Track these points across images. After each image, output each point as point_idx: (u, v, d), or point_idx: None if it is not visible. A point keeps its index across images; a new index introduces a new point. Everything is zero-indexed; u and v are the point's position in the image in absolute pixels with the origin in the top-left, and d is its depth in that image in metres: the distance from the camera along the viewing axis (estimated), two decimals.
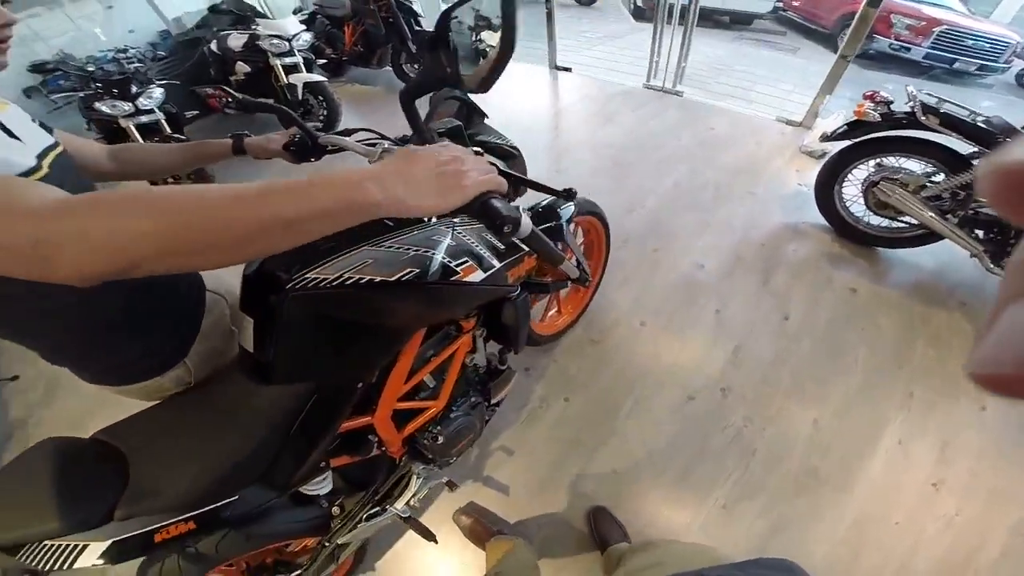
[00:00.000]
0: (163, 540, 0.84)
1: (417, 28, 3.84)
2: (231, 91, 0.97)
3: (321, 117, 3.61)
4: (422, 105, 0.88)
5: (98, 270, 0.44)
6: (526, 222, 1.07)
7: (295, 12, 3.80)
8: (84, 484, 0.83)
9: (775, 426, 1.64)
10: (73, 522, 0.79)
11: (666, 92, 3.67)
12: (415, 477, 1.34)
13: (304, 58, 3.44)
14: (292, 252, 0.79)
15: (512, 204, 1.02)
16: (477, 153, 0.84)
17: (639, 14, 5.74)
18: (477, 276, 0.96)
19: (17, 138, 0.70)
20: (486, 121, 1.15)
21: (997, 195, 0.14)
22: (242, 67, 3.49)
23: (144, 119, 3.03)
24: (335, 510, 1.22)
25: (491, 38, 4.10)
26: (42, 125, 0.80)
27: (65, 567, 0.79)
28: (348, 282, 0.80)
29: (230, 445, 0.89)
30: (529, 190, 1.09)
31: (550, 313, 1.98)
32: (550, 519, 1.59)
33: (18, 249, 0.43)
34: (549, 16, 3.85)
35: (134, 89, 2.93)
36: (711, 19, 5.81)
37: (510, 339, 1.33)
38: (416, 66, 3.99)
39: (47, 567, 0.79)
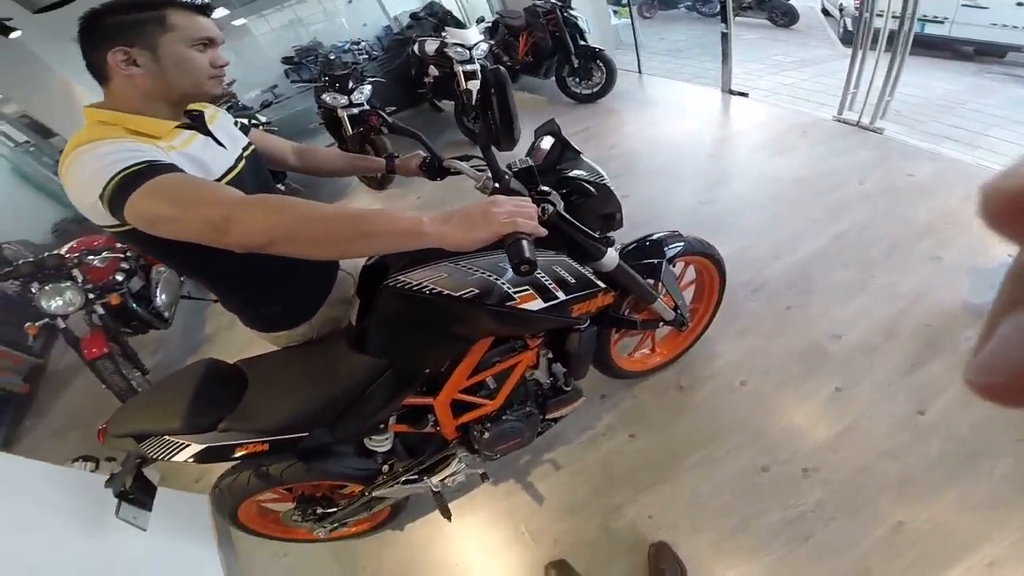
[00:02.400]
0: (241, 455, 1.13)
1: (582, 43, 4.04)
2: (385, 115, 1.29)
3: None
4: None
5: (250, 242, 0.77)
6: (612, 256, 1.20)
7: (479, 21, 4.29)
8: (209, 399, 1.14)
9: (847, 518, 1.48)
10: (187, 426, 1.10)
11: (861, 128, 3.23)
12: (457, 460, 1.53)
13: (481, 66, 3.88)
14: (398, 256, 1.08)
15: (605, 238, 1.20)
16: (542, 194, 1.06)
17: (849, 39, 5.04)
18: (535, 305, 1.09)
19: (223, 146, 1.07)
20: (582, 157, 1.26)
21: (998, 218, 0.14)
22: (433, 70, 4.11)
23: (355, 110, 3.77)
24: (385, 468, 1.47)
25: None
26: (242, 128, 1.20)
27: (166, 459, 1.10)
28: (424, 289, 1.03)
29: (315, 393, 1.17)
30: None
31: (642, 350, 1.99)
32: (571, 540, 1.66)
33: (213, 223, 0.76)
34: (724, 37, 3.70)
35: (351, 84, 3.68)
36: (950, 49, 4.85)
37: (572, 366, 1.45)
38: (579, 80, 4.19)
39: (154, 456, 1.11)
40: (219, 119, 1.12)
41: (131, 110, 0.93)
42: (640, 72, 4.77)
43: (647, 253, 1.51)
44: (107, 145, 0.84)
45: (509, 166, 1.10)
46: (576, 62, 4.07)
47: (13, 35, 3.06)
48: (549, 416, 1.58)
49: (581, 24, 4.06)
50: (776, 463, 1.64)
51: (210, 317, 3.64)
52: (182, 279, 3.58)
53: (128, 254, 3.11)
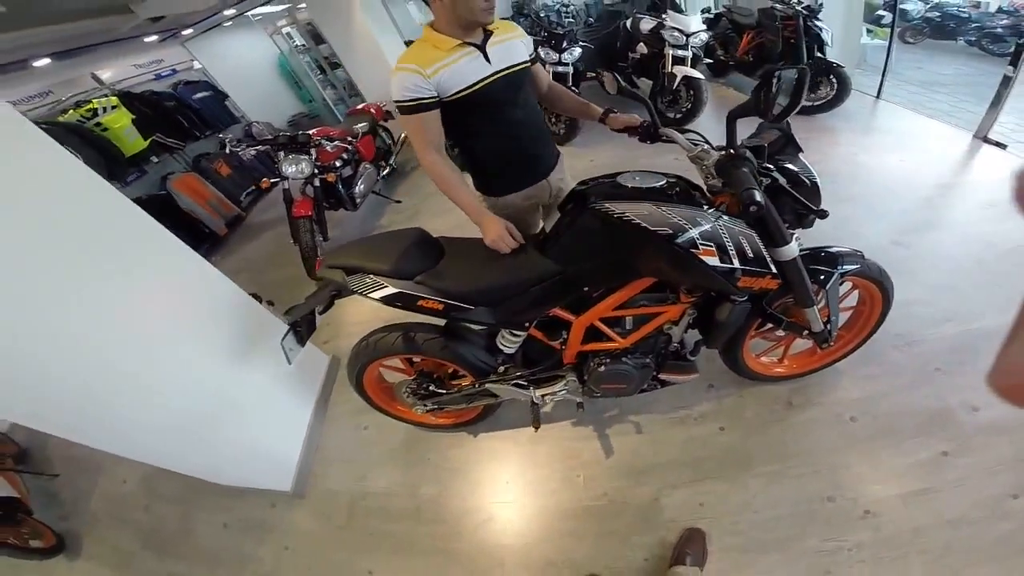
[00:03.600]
0: (421, 306, 1.40)
1: (818, 55, 3.78)
2: (617, 76, 1.57)
3: (685, 108, 4.07)
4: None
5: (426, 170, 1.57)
6: (793, 247, 1.40)
7: (703, 11, 4.25)
8: (414, 257, 1.44)
9: (873, 566, 1.48)
10: (393, 271, 1.38)
11: None
12: (564, 382, 1.76)
13: (694, 54, 3.91)
14: (606, 188, 1.41)
15: (791, 230, 1.38)
16: (765, 171, 1.30)
17: None
18: (712, 260, 1.25)
19: (489, 61, 1.51)
20: (800, 156, 1.40)
21: None
22: (642, 48, 4.24)
23: (560, 69, 4.13)
24: (500, 368, 1.74)
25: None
26: (532, 56, 1.68)
27: (363, 294, 1.39)
28: (625, 217, 1.27)
29: (495, 275, 1.46)
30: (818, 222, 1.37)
31: (771, 356, 2.03)
32: (619, 498, 1.81)
33: (418, 151, 1.57)
34: (1006, 80, 3.16)
35: (564, 44, 4.01)
36: None
37: (711, 333, 1.60)
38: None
39: (355, 290, 1.40)
40: (502, 40, 1.55)
41: (439, 29, 1.47)
42: (878, 97, 4.28)
43: (823, 261, 1.55)
44: (410, 77, 1.43)
45: (741, 142, 1.31)
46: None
47: None
48: (661, 376, 1.73)
49: (824, 36, 3.83)
50: (842, 497, 1.65)
51: (388, 213, 4.42)
52: (379, 178, 4.42)
53: (351, 147, 3.92)
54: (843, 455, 1.76)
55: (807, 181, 1.33)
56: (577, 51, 3.98)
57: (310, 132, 3.57)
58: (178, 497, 2.23)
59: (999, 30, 7.20)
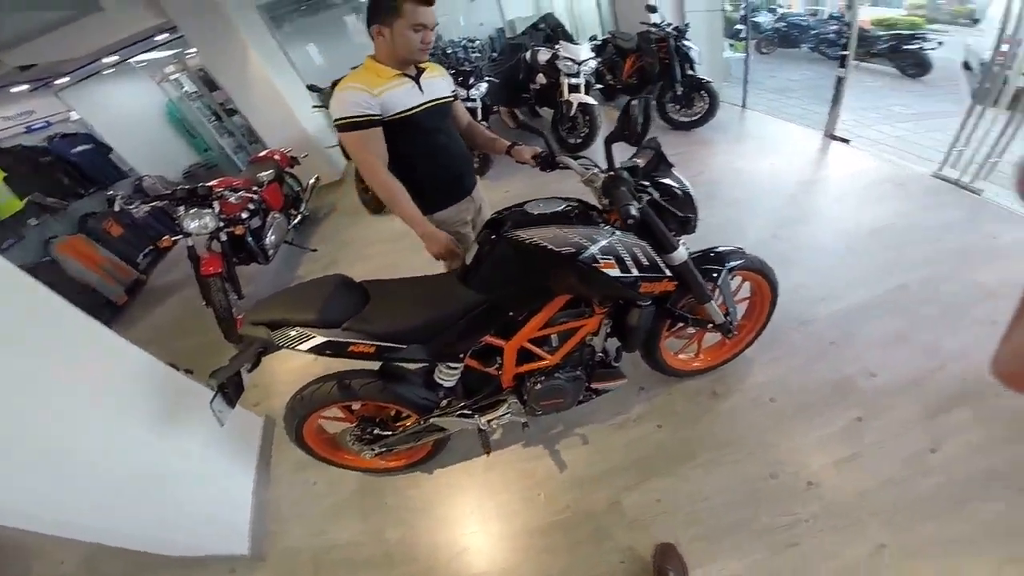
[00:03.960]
0: (352, 351, 1.37)
1: (690, 73, 4.20)
2: (517, 114, 1.72)
3: (583, 133, 4.32)
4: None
5: (369, 183, 1.75)
6: (682, 252, 1.57)
7: (590, 39, 4.59)
8: (338, 302, 1.42)
9: (833, 534, 1.60)
10: (320, 320, 1.35)
11: (959, 186, 3.17)
12: (506, 405, 1.79)
13: (586, 81, 4.18)
14: (516, 217, 1.48)
15: (676, 237, 1.55)
16: (641, 188, 1.45)
17: (983, 96, 4.71)
18: (614, 272, 1.38)
19: (421, 91, 1.71)
20: (672, 170, 1.58)
21: None
22: (541, 78, 4.47)
23: (469, 104, 4.23)
24: (443, 402, 1.74)
25: None
26: (453, 92, 1.89)
27: (293, 347, 1.35)
28: (534, 242, 1.36)
29: (422, 312, 1.46)
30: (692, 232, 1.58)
31: (688, 352, 2.19)
32: (581, 508, 1.86)
33: (361, 165, 1.70)
34: (839, 81, 3.73)
35: (471, 80, 4.13)
36: None
37: (627, 338, 1.72)
38: (679, 107, 4.36)
39: (282, 344, 1.35)
40: (432, 77, 1.76)
41: (380, 61, 1.64)
42: (744, 106, 4.85)
43: (711, 260, 1.77)
44: (354, 94, 1.56)
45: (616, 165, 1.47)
46: (679, 90, 4.25)
47: None
48: (593, 386, 1.83)
49: (692, 55, 4.23)
50: (782, 473, 1.78)
51: (304, 263, 4.22)
52: (290, 227, 4.21)
53: (256, 197, 3.73)
54: (772, 434, 1.91)
55: (680, 192, 1.51)
56: (483, 86, 4.13)
57: (210, 184, 3.34)
58: (125, 571, 1.98)
59: (831, 35, 8.19)
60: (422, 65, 1.71)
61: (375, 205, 4.52)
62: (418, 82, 1.69)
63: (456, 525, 1.91)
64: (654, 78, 4.38)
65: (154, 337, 3.84)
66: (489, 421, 1.78)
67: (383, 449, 1.84)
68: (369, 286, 1.53)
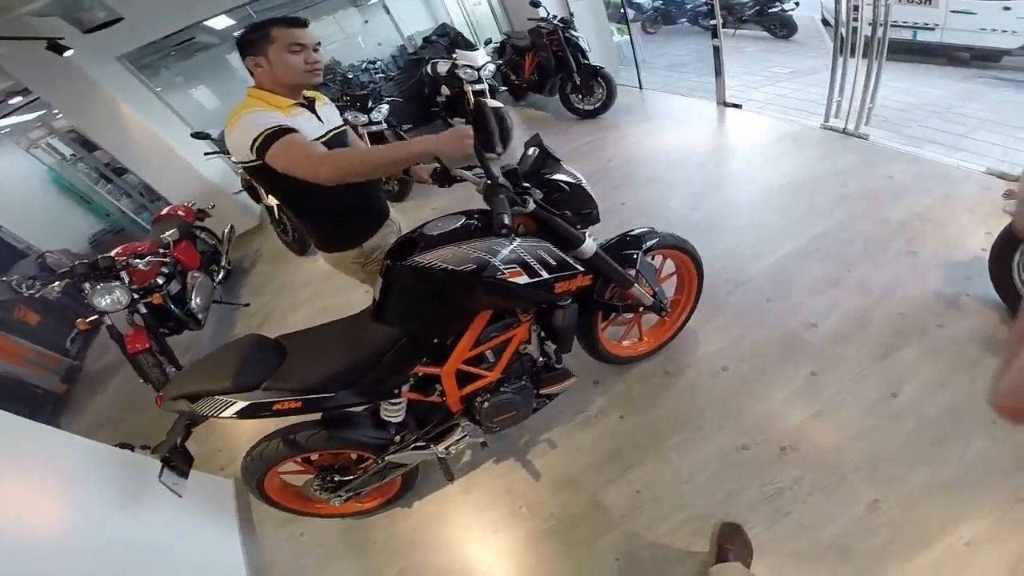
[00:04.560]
0: (278, 409, 1.30)
1: (584, 62, 4.24)
2: (402, 133, 1.59)
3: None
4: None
5: (330, 178, 1.26)
6: (589, 244, 1.49)
7: (487, 43, 4.53)
8: (254, 365, 1.34)
9: (824, 496, 1.56)
10: (235, 385, 1.27)
11: (847, 134, 3.37)
12: (460, 429, 1.70)
13: (490, 85, 4.11)
14: (413, 242, 1.35)
15: (581, 231, 1.47)
16: (524, 190, 1.35)
17: (842, 48, 5.15)
18: (522, 279, 1.32)
19: (321, 120, 1.54)
20: (561, 164, 1.51)
21: None
22: (445, 90, 4.35)
23: (374, 128, 4.03)
24: (397, 438, 1.63)
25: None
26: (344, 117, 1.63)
27: (215, 415, 1.27)
28: (433, 265, 1.27)
29: (341, 358, 1.36)
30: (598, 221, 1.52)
31: (630, 338, 2.14)
32: (564, 514, 1.78)
33: (312, 165, 1.27)
34: (716, 51, 3.88)
35: (370, 104, 3.94)
36: (945, 55, 4.96)
37: (558, 340, 1.65)
38: (581, 96, 4.39)
39: (205, 414, 1.28)
40: (324, 106, 1.61)
41: (267, 89, 1.43)
42: (641, 87, 4.95)
43: (626, 246, 1.73)
44: (261, 114, 1.33)
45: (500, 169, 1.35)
46: (578, 80, 4.26)
47: (67, 54, 3.25)
48: (543, 392, 1.75)
49: (582, 44, 4.24)
50: (754, 442, 1.75)
51: (240, 320, 3.86)
52: (215, 285, 3.84)
53: (168, 259, 3.38)
54: (733, 403, 1.89)
55: (572, 185, 1.46)
56: (384, 108, 3.95)
57: (111, 254, 2.97)
58: None
59: (704, 7, 8.31)
60: (310, 94, 1.55)
61: (299, 246, 4.25)
62: (315, 112, 1.53)
63: (449, 551, 1.82)
64: (552, 72, 4.38)
65: (103, 420, 3.42)
66: (447, 448, 1.70)
67: (350, 494, 1.74)
68: (286, 340, 1.44)
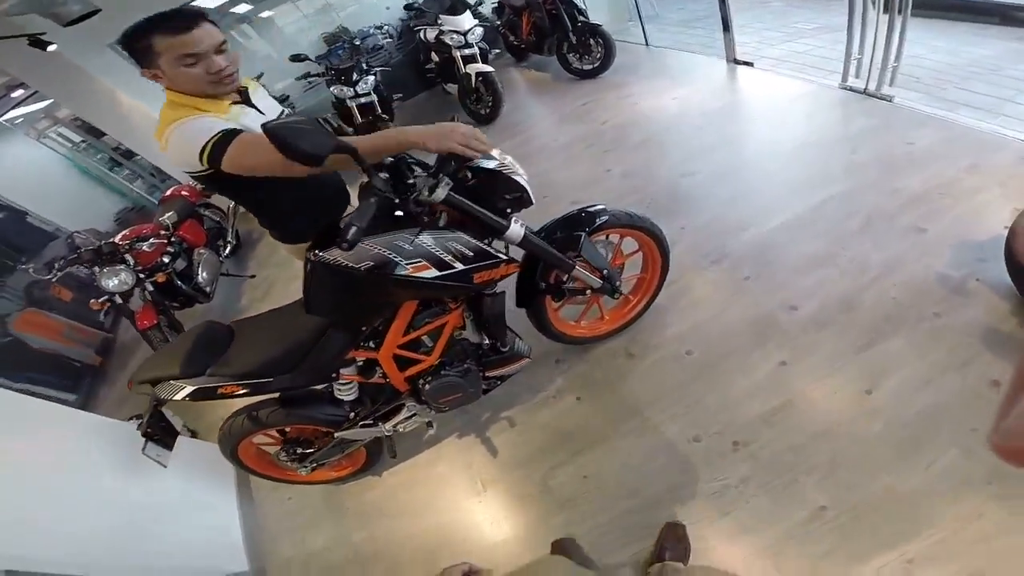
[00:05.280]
0: (223, 393, 1.35)
1: (581, 21, 3.89)
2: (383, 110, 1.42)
3: (488, 103, 4.01)
4: None
5: (302, 170, 1.04)
6: (516, 230, 1.34)
7: (477, 4, 4.19)
8: (202, 352, 1.38)
9: (769, 498, 1.40)
10: (184, 372, 1.33)
11: (869, 95, 2.94)
12: (406, 409, 1.68)
13: (481, 49, 3.85)
14: (327, 239, 1.22)
15: (511, 215, 1.33)
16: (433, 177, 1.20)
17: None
18: (430, 273, 1.22)
19: (261, 112, 1.34)
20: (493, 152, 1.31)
21: None
22: (434, 56, 4.12)
23: (363, 100, 3.89)
24: (351, 415, 1.64)
25: None
26: (280, 100, 1.45)
27: (170, 398, 1.36)
28: (336, 262, 1.18)
29: (275, 346, 1.37)
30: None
31: (590, 317, 1.98)
32: (517, 492, 1.75)
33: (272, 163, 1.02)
34: (722, 3, 3.44)
35: (355, 77, 3.79)
36: (999, 15, 4.24)
37: (488, 329, 1.57)
38: (579, 56, 4.07)
39: (164, 397, 1.36)
40: (259, 92, 1.42)
41: (190, 94, 1.18)
42: (647, 44, 4.50)
43: (571, 225, 1.56)
44: (196, 120, 1.13)
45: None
46: (574, 39, 3.92)
47: (50, 48, 3.20)
48: (491, 375, 1.67)
49: (577, 2, 3.92)
50: (707, 434, 1.60)
51: (247, 291, 3.93)
52: (222, 260, 3.91)
53: (172, 239, 3.44)
54: (692, 391, 1.73)
55: (494, 171, 1.27)
56: (371, 79, 3.78)
57: (114, 239, 3.06)
58: None
59: None
60: (242, 84, 1.32)
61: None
62: (252, 104, 1.33)
63: (412, 519, 1.84)
64: (548, 31, 4.05)
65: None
66: (394, 426, 1.71)
67: (314, 464, 1.81)
68: (236, 326, 1.50)
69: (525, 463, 1.79)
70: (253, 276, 4.05)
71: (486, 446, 1.91)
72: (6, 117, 5.33)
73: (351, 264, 1.18)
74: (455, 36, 3.75)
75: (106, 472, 1.78)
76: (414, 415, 1.71)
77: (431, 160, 1.26)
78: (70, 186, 6.53)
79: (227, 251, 4.08)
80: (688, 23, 5.05)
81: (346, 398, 1.60)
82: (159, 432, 1.53)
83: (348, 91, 3.75)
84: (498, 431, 1.94)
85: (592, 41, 3.95)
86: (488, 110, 4.04)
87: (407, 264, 1.19)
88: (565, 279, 1.64)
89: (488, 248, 1.29)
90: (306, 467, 1.80)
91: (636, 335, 1.98)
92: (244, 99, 1.33)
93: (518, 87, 4.86)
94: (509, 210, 1.33)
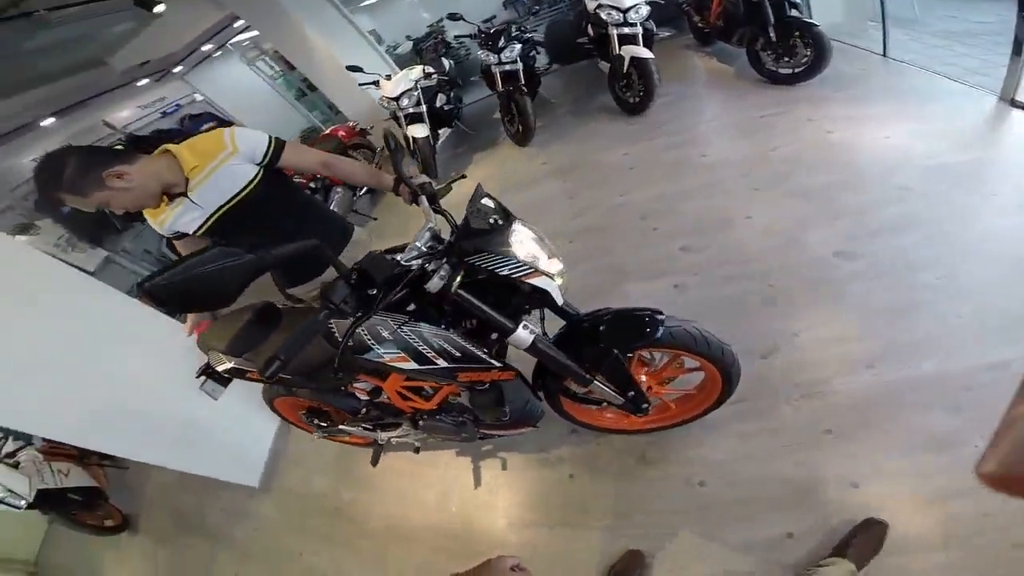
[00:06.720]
0: (251, 378, 1.55)
1: (790, 17, 3.12)
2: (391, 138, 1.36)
3: (639, 93, 3.62)
4: None
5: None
6: (523, 337, 1.22)
7: None
8: (249, 332, 1.47)
9: None
10: (228, 349, 1.48)
11: None
12: (402, 428, 1.83)
13: (646, 30, 3.44)
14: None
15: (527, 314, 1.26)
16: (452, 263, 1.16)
17: None
18: (408, 365, 1.22)
19: (197, 204, 1.45)
20: (518, 222, 1.22)
21: None
22: (590, 29, 3.83)
23: (507, 67, 3.88)
24: (363, 411, 1.81)
25: None
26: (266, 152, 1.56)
27: (216, 366, 1.57)
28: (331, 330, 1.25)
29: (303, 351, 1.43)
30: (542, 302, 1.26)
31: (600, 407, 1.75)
32: (474, 530, 1.90)
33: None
34: (1022, 21, 2.40)
35: (501, 43, 3.75)
36: None
37: (476, 415, 1.55)
38: (775, 56, 3.32)
39: (213, 363, 1.58)
40: (208, 177, 1.43)
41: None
42: (885, 54, 3.46)
43: (609, 327, 1.31)
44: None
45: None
46: (772, 35, 3.17)
47: (157, 8, 3.51)
48: (487, 432, 1.69)
49: None
50: (660, 566, 1.53)
51: (365, 230, 4.41)
52: (355, 197, 4.49)
53: (317, 175, 4.00)
54: (681, 522, 1.57)
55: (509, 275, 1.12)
56: (517, 47, 3.66)
57: None
58: (197, 488, 2.70)
59: None
60: (187, 173, 1.41)
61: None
62: (187, 195, 1.42)
63: (392, 503, 2.12)
64: (739, 21, 3.37)
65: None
66: (389, 438, 1.90)
67: (325, 434, 2.08)
68: (285, 313, 1.50)
69: (499, 508, 1.91)
70: (376, 219, 4.60)
71: (474, 475, 2.04)
72: (233, 41, 6.56)
73: (336, 334, 1.24)
74: (612, 12, 3.38)
75: (182, 374, 2.03)
76: (408, 434, 1.84)
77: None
78: (271, 102, 7.97)
79: (361, 191, 4.66)
80: (956, 36, 3.70)
81: (361, 396, 1.68)
82: (215, 376, 1.70)
83: (493, 57, 3.72)
84: (489, 466, 2.04)
85: (798, 41, 3.16)
86: (637, 100, 3.65)
87: (385, 353, 1.19)
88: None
89: (478, 352, 1.21)
90: (320, 434, 2.06)
91: (662, 440, 1.78)
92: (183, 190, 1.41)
93: (691, 75, 4.30)
94: (528, 306, 1.23)
